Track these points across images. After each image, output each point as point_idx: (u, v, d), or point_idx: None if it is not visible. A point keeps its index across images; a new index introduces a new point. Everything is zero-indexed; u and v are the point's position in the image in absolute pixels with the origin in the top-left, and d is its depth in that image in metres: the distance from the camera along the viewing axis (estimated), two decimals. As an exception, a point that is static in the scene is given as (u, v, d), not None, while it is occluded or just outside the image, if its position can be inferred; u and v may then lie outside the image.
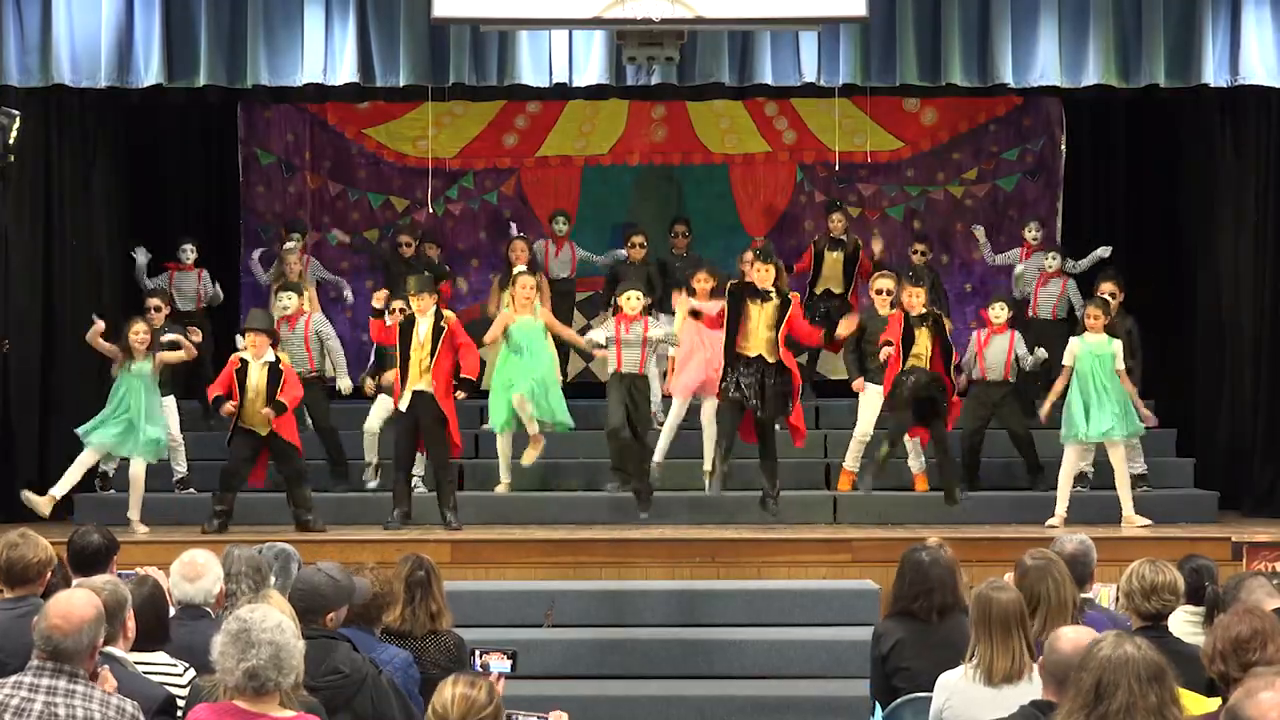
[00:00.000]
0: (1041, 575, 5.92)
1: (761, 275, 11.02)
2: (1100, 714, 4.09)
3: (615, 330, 11.50)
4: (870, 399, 11.87)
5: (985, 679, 5.40)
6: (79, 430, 11.13)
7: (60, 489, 11.02)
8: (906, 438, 11.47)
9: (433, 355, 11.00)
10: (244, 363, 11.11)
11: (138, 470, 11.17)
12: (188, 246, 13.47)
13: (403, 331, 11.14)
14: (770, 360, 10.89)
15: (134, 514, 11.13)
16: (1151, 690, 4.09)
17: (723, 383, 10.88)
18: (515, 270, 12.39)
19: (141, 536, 10.71)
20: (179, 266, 13.46)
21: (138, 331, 11.16)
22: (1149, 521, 11.12)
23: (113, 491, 11.96)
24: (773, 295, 10.95)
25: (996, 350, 12.12)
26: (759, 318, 10.89)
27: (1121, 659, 4.13)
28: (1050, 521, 11.10)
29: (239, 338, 11.64)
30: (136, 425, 11.03)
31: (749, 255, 13.27)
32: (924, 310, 11.15)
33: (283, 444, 11.06)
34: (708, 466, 11.52)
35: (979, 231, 13.89)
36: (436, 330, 11.06)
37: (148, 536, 10.69)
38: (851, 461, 12.02)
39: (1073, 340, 11.47)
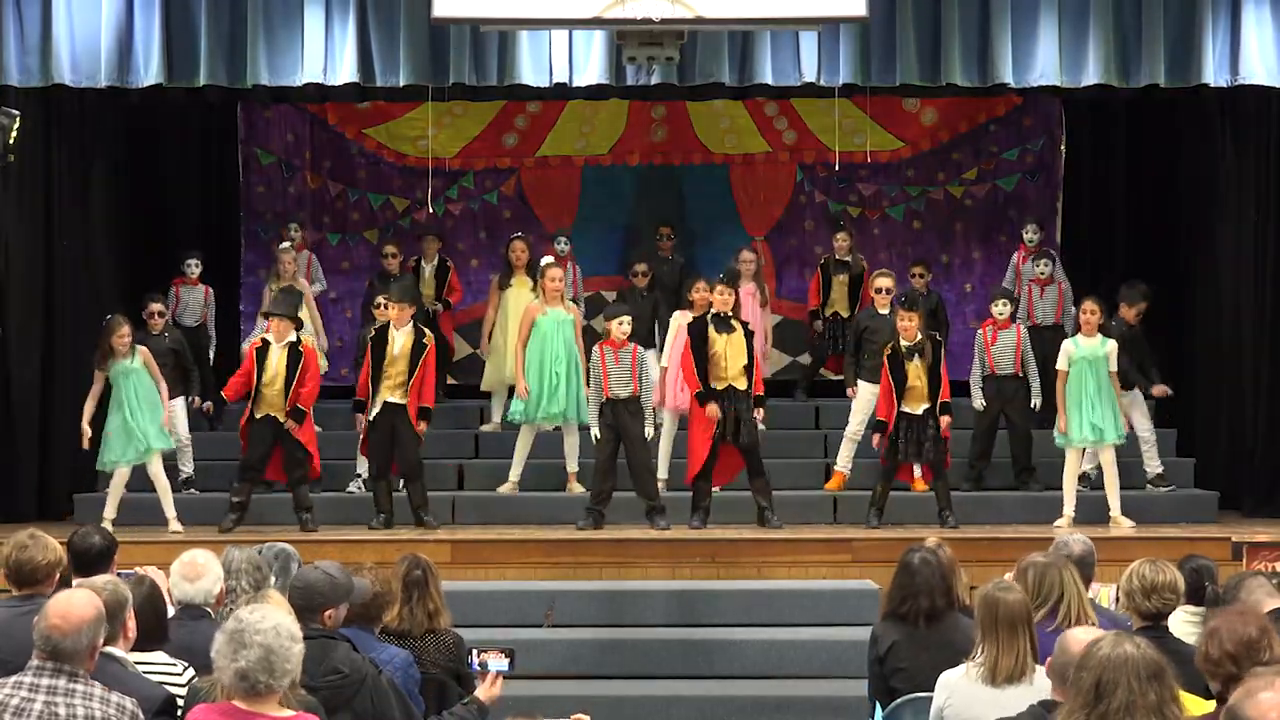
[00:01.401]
0: (1065, 564, 5.98)
1: (723, 299, 10.99)
2: (1100, 713, 4.10)
3: (601, 357, 11.17)
4: (862, 398, 11.86)
5: (988, 679, 5.40)
6: (99, 467, 11.23)
7: (110, 512, 11.00)
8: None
9: (410, 374, 11.07)
10: (265, 344, 11.14)
11: (156, 469, 11.17)
12: (192, 260, 13.26)
13: (376, 341, 11.17)
14: (741, 389, 10.88)
15: (170, 512, 11.13)
16: (1151, 689, 4.10)
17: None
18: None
19: (175, 535, 10.75)
20: (184, 280, 13.26)
21: (123, 335, 11.11)
22: (1133, 524, 11.13)
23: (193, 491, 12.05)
24: (735, 326, 10.93)
25: (1004, 345, 12.11)
26: (726, 348, 10.87)
27: (1121, 658, 4.14)
28: (1058, 522, 11.09)
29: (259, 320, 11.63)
30: (136, 424, 11.01)
31: (746, 254, 13.30)
32: (917, 339, 11.09)
33: (294, 440, 11.08)
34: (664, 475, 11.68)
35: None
36: (418, 347, 11.11)
37: (147, 536, 10.68)
38: (843, 462, 12.02)
39: (1066, 343, 11.45)
